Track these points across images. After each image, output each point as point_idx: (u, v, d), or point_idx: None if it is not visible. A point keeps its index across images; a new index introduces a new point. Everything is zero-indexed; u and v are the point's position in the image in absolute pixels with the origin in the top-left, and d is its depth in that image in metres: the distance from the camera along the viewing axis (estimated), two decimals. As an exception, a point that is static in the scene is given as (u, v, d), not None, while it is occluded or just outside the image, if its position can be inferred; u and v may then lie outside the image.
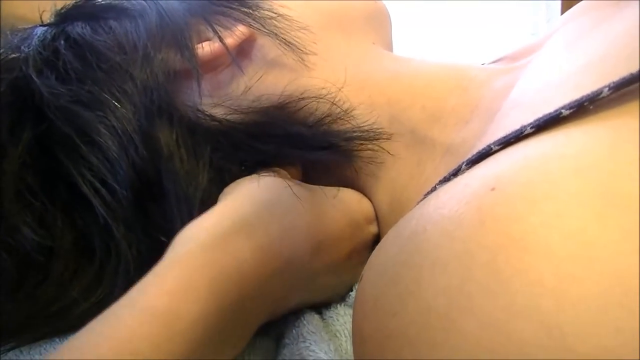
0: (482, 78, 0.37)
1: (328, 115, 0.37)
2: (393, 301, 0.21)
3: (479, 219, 0.19)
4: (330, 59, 0.40)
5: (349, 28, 0.42)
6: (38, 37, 0.39)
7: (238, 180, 0.36)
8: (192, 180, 0.35)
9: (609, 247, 0.17)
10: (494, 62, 0.42)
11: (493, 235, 0.19)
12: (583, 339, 0.16)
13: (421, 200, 0.26)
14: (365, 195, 0.40)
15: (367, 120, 0.38)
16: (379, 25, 0.44)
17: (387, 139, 0.38)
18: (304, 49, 0.39)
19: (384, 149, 0.38)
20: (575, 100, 0.23)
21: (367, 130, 0.38)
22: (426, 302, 0.19)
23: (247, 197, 0.34)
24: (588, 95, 0.23)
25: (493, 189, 0.20)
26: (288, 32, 0.39)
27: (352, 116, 0.38)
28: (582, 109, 0.23)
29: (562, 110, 0.23)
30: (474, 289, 0.18)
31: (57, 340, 0.34)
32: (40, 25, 0.41)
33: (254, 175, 0.36)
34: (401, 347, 0.20)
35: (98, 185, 0.35)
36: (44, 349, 0.33)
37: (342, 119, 0.38)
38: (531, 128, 0.24)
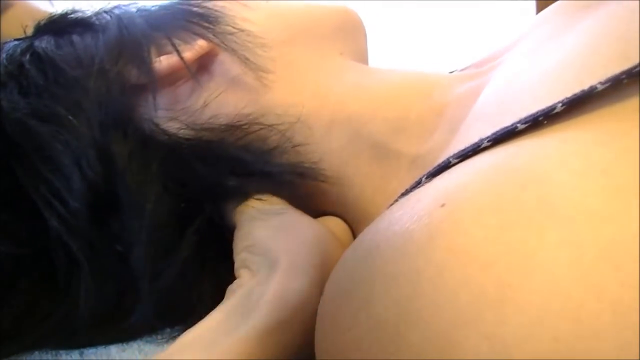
0: (446, 84, 0.37)
1: (276, 147, 0.37)
2: (347, 316, 0.21)
3: (428, 235, 0.20)
4: (291, 76, 0.39)
5: (316, 39, 0.41)
6: (6, 51, 0.40)
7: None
8: (142, 194, 0.35)
9: (547, 258, 0.17)
10: (462, 70, 0.41)
11: (440, 250, 0.19)
12: (522, 349, 0.16)
13: None
14: (341, 218, 0.40)
15: (316, 150, 0.38)
16: (349, 35, 0.44)
17: (322, 181, 0.38)
18: (261, 68, 0.38)
19: (322, 182, 0.38)
20: (531, 115, 0.23)
21: (309, 168, 0.37)
22: (377, 316, 0.20)
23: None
24: (542, 110, 0.23)
25: (442, 205, 0.20)
26: (248, 49, 0.38)
27: (298, 152, 0.38)
28: (536, 123, 0.23)
29: (518, 125, 0.23)
30: (422, 303, 0.19)
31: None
32: (15, 40, 0.42)
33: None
34: None
35: (51, 199, 0.35)
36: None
37: (289, 153, 0.37)
38: (488, 141, 0.24)
